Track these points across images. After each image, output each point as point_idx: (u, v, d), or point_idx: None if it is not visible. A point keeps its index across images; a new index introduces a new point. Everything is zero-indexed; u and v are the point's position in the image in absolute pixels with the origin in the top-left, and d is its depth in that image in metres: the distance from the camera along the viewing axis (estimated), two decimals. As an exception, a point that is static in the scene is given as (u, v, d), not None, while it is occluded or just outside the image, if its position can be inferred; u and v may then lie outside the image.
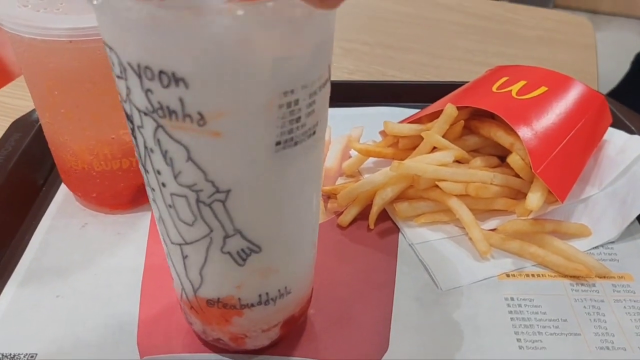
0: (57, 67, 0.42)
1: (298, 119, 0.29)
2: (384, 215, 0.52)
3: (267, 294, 0.36)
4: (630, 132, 0.58)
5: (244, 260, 0.33)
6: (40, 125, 0.49)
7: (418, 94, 0.64)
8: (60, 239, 0.48)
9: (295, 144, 0.29)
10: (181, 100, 0.27)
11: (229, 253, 0.33)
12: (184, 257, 0.34)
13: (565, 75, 0.57)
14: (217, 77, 0.26)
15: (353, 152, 0.58)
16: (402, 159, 0.52)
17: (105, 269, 0.46)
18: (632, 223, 0.50)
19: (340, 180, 0.56)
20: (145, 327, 0.41)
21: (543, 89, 0.54)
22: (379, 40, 0.83)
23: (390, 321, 0.42)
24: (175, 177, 0.30)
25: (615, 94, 1.17)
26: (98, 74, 0.42)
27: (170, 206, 0.31)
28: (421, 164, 0.50)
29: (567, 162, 0.50)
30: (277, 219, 0.32)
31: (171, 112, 0.27)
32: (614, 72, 1.43)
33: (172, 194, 0.31)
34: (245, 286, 0.35)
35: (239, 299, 0.35)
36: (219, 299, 0.36)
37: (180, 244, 0.33)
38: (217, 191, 0.30)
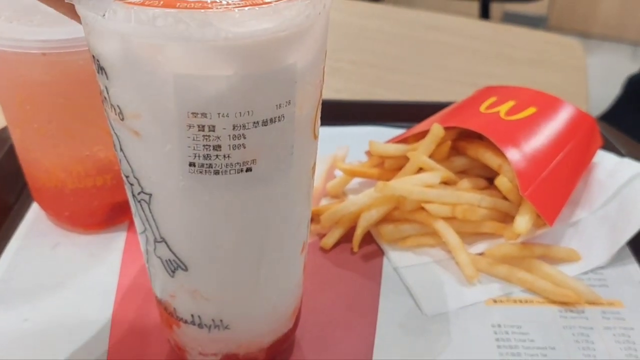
0: (29, 81, 0.41)
1: (217, 147, 0.28)
2: (368, 238, 0.51)
3: (199, 317, 0.35)
4: (620, 155, 0.57)
5: (173, 272, 0.33)
6: (12, 142, 0.48)
7: (405, 114, 0.63)
8: (30, 260, 0.46)
9: (217, 173, 0.29)
10: (106, 89, 0.29)
11: (160, 258, 0.33)
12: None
13: (555, 96, 0.56)
14: (129, 76, 0.27)
15: (338, 172, 0.57)
16: (388, 180, 0.51)
17: (76, 292, 0.44)
18: (622, 248, 0.49)
19: (324, 201, 0.55)
20: (115, 354, 0.39)
21: (532, 109, 0.53)
22: (366, 60, 0.82)
23: (373, 349, 0.41)
24: (120, 162, 0.32)
25: (608, 117, 1.17)
26: (71, 88, 0.41)
27: None
28: (407, 185, 0.48)
29: (556, 184, 0.49)
30: (202, 245, 0.32)
31: (104, 98, 0.30)
32: (606, 95, 1.43)
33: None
34: (178, 298, 0.35)
35: (174, 309, 0.35)
36: (161, 300, 0.36)
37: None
38: (142, 191, 0.31)
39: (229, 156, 0.28)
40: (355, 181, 0.57)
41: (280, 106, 0.28)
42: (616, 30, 3.06)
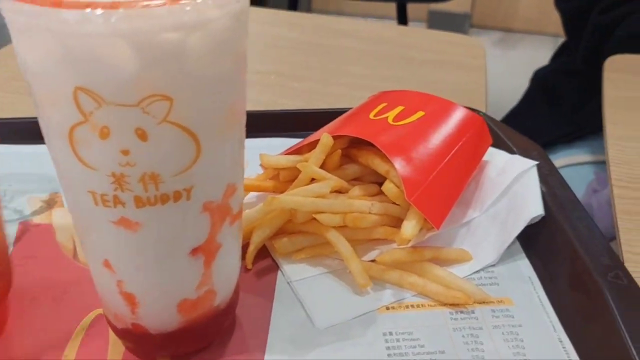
0: None
1: None
2: (264, 252, 0.50)
3: None
4: (512, 152, 0.58)
5: None
6: None
7: (307, 123, 0.63)
8: None
9: None
10: None
11: None
12: None
13: (444, 99, 0.57)
14: None
15: (234, 187, 0.55)
16: (284, 192, 0.50)
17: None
18: (513, 244, 0.50)
19: (220, 218, 0.54)
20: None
21: (420, 113, 0.54)
22: (271, 68, 0.81)
23: (262, 368, 0.40)
24: None
25: (518, 112, 1.20)
26: None
27: None
28: (297, 197, 0.48)
29: (442, 187, 0.49)
30: None
31: None
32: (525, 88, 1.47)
33: None
34: None
35: None
36: None
37: None
38: None
39: None
40: (252, 195, 0.56)
41: None
42: (537, 25, 3.18)
